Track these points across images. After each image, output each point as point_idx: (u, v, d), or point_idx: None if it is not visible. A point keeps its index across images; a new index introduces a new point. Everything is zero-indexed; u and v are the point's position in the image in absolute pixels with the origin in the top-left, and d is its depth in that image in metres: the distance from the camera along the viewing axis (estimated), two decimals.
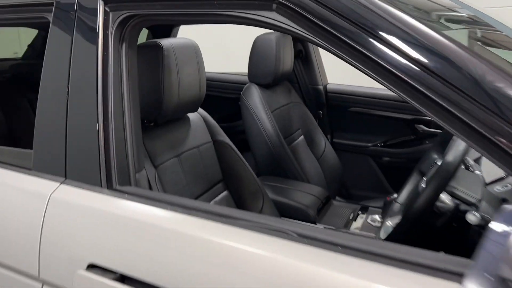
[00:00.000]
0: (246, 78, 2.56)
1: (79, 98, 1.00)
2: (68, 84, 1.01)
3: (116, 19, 0.98)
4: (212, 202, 1.47)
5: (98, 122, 0.97)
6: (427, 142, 2.30)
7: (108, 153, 0.97)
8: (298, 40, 2.37)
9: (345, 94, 2.42)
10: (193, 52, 1.36)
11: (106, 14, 0.99)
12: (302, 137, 2.26)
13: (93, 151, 0.97)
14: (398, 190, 2.45)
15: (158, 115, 1.28)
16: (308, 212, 1.69)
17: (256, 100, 2.01)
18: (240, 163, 1.57)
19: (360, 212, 1.93)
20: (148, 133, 1.29)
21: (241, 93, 2.07)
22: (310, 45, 2.41)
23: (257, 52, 2.05)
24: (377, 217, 1.67)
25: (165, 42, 1.26)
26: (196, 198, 1.40)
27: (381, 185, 2.43)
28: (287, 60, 2.13)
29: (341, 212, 1.87)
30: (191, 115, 1.51)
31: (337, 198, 2.41)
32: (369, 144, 2.41)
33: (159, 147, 1.31)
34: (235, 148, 1.59)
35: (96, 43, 0.98)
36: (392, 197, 1.50)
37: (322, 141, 2.33)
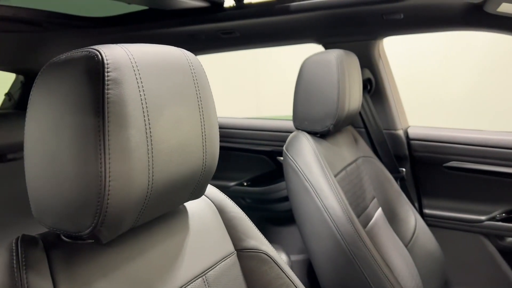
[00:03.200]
0: (287, 123, 1.81)
1: None
2: None
3: None
4: None
5: None
6: None
7: None
8: (366, 65, 1.61)
9: (438, 141, 1.60)
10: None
11: None
12: (380, 210, 1.45)
13: None
14: None
15: None
16: None
17: (308, 157, 1.24)
18: None
19: None
20: None
21: (284, 147, 1.31)
22: (384, 72, 1.64)
23: (308, 82, 1.30)
24: None
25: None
26: None
27: (505, 281, 1.55)
28: (355, 92, 1.36)
29: None
30: (192, 205, 0.75)
31: None
32: (483, 217, 1.56)
33: None
34: (281, 261, 0.81)
35: None
36: None
37: (411, 215, 1.50)
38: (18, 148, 1.50)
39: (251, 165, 2.02)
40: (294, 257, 1.84)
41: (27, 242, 0.53)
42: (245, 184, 2.04)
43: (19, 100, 2.07)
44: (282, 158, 1.36)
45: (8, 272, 0.49)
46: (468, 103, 3.72)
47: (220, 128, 2.08)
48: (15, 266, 0.50)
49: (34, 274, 0.50)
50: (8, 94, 2.18)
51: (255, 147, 1.97)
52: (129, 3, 1.40)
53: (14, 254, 0.51)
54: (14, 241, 0.53)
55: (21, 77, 2.03)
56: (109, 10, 1.59)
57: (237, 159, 2.04)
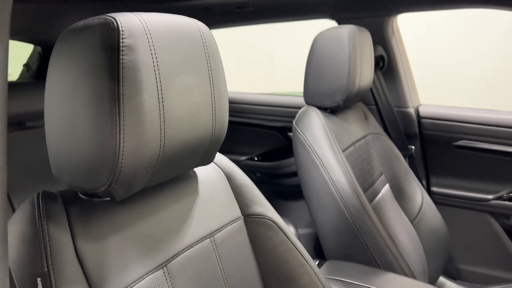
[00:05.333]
0: (298, 99, 1.83)
1: None
2: None
3: None
4: None
5: None
6: None
7: None
8: (378, 41, 1.60)
9: (448, 120, 1.61)
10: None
11: None
12: (387, 186, 1.47)
13: None
14: None
15: None
16: None
17: (318, 132, 1.26)
18: (296, 257, 0.82)
19: None
20: None
21: (294, 121, 1.33)
22: (397, 49, 1.64)
23: (320, 57, 1.31)
24: None
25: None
26: None
27: (509, 260, 1.57)
28: (366, 69, 1.37)
29: None
30: (201, 171, 0.79)
31: (441, 278, 1.58)
32: (490, 196, 1.58)
33: None
34: (285, 228, 0.84)
35: None
36: None
37: (418, 192, 1.52)
38: (37, 116, 1.55)
39: (262, 140, 2.05)
40: (302, 231, 1.89)
41: (47, 197, 0.57)
42: (255, 158, 2.07)
43: (37, 70, 2.12)
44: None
45: (31, 222, 0.54)
46: (486, 85, 3.66)
47: (232, 103, 2.11)
48: (37, 217, 0.54)
49: (54, 225, 0.54)
50: (26, 65, 2.23)
51: (266, 123, 1.99)
52: None
53: (36, 207, 0.55)
54: (35, 196, 0.57)
55: (39, 48, 2.07)
56: None
57: (249, 134, 2.07)
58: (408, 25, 1.92)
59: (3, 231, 0.36)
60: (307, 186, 1.27)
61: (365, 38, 1.36)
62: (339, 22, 1.63)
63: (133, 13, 0.56)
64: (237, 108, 2.01)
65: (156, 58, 0.55)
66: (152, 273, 0.61)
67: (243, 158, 2.07)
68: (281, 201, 2.05)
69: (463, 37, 3.74)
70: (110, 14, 0.54)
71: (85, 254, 0.55)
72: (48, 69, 0.56)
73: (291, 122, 1.34)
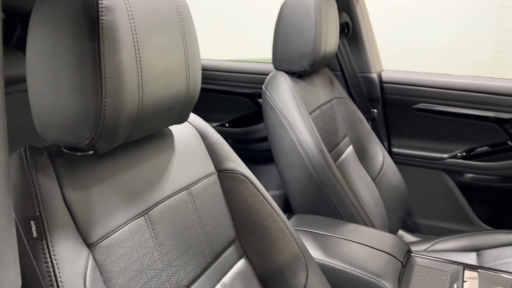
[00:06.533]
0: (268, 66, 1.88)
1: None
2: None
3: None
4: (219, 284, 0.80)
5: None
6: None
7: None
8: (343, 8, 1.66)
9: (408, 84, 1.70)
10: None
11: None
12: (351, 147, 1.57)
13: None
14: (488, 221, 1.73)
15: None
16: None
17: (286, 95, 1.33)
18: (266, 208, 0.90)
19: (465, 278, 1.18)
20: None
21: (263, 86, 1.39)
22: (361, 16, 1.70)
23: (287, 23, 1.36)
24: None
25: None
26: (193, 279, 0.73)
27: (463, 214, 1.72)
28: (332, 35, 1.43)
29: (434, 277, 1.15)
30: (177, 129, 0.84)
31: (400, 231, 1.71)
32: (445, 155, 1.70)
33: None
34: (256, 181, 0.92)
35: None
36: None
37: (379, 153, 1.63)
38: (6, 83, 1.54)
39: (232, 107, 2.10)
40: (272, 192, 1.98)
41: (33, 150, 0.61)
42: (227, 125, 2.13)
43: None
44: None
45: (20, 173, 0.58)
46: (448, 53, 3.81)
47: (203, 70, 2.14)
48: (25, 167, 0.59)
49: (42, 174, 0.59)
50: None
51: (236, 89, 2.03)
52: None
53: (24, 158, 0.59)
54: (22, 149, 0.61)
55: (2, 14, 2.02)
56: None
57: (219, 101, 2.11)
58: None
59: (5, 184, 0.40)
60: (276, 147, 1.34)
61: (331, 5, 1.41)
62: None
63: None
64: (207, 75, 2.04)
65: (133, 18, 0.59)
66: (134, 220, 0.67)
67: (214, 124, 2.12)
68: (252, 165, 2.12)
69: (425, 6, 3.85)
70: None
71: (72, 201, 0.60)
72: (28, 33, 0.59)
73: (261, 88, 1.40)
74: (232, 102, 2.08)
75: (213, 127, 2.08)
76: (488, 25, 3.84)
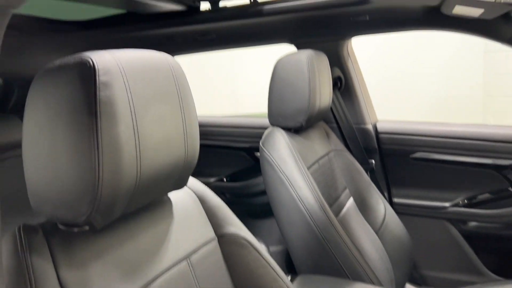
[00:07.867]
0: (264, 120, 1.90)
1: None
2: None
3: None
4: None
5: None
6: None
7: None
8: (335, 63, 1.70)
9: (404, 134, 1.71)
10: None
11: None
12: (351, 200, 1.55)
13: None
14: (496, 270, 1.67)
15: None
16: None
17: (283, 151, 1.33)
18: (269, 272, 0.86)
19: None
20: None
21: (261, 142, 1.39)
22: (353, 70, 1.74)
23: (281, 81, 1.38)
24: None
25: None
26: None
27: (469, 263, 1.67)
28: (325, 90, 1.45)
29: None
30: (175, 195, 0.83)
31: (407, 285, 1.65)
32: (447, 204, 1.68)
33: None
34: (258, 245, 0.89)
35: None
36: None
37: (380, 204, 1.61)
38: (3, 149, 1.53)
39: (230, 162, 2.09)
40: (273, 248, 1.93)
41: (28, 229, 0.59)
42: (225, 180, 2.11)
43: None
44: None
45: (14, 256, 0.56)
46: (437, 99, 3.89)
47: (200, 126, 2.14)
48: (19, 250, 0.56)
49: (37, 256, 0.56)
50: None
51: (234, 144, 2.04)
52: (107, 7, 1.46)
53: (18, 240, 0.57)
54: (16, 229, 0.59)
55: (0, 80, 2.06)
56: (89, 14, 1.64)
57: (217, 156, 2.11)
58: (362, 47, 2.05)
59: None
60: (276, 203, 1.32)
61: (323, 61, 1.45)
62: (298, 46, 1.72)
63: (106, 51, 0.61)
64: (205, 131, 2.05)
65: (130, 92, 0.59)
66: None
67: (212, 179, 2.10)
68: (251, 219, 2.09)
69: (415, 56, 3.97)
70: (85, 53, 0.58)
71: (68, 282, 0.58)
72: (26, 105, 0.59)
73: (258, 142, 1.40)
74: (230, 157, 2.08)
75: (211, 182, 2.08)
76: (476, 70, 3.96)
